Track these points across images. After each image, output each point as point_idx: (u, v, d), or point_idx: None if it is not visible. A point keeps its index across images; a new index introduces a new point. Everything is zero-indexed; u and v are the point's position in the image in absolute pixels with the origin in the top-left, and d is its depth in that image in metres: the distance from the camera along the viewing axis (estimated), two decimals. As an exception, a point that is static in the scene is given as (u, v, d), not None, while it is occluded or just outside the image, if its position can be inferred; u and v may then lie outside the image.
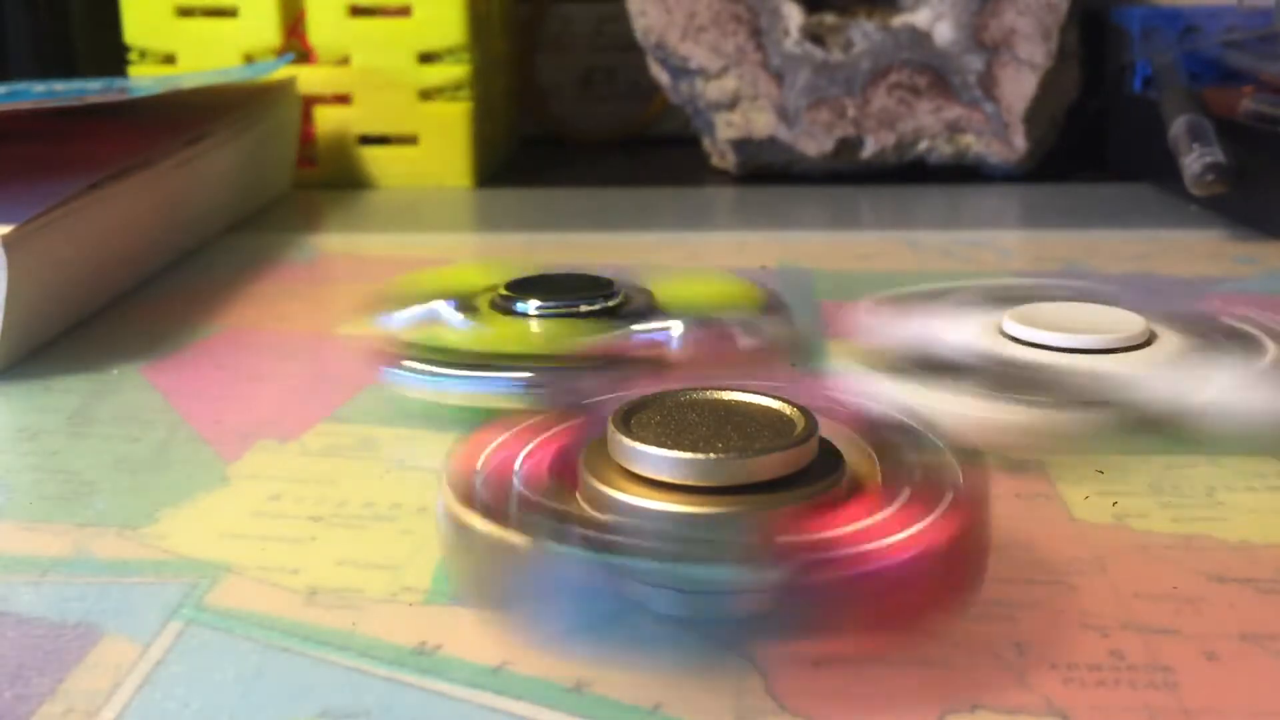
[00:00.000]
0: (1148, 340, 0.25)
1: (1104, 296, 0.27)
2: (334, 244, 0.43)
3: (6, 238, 0.28)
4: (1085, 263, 0.38)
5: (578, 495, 0.17)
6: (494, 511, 0.16)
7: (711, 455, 0.16)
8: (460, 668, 0.16)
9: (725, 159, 0.56)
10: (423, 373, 0.24)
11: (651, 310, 0.27)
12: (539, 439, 0.19)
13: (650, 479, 0.16)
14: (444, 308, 0.27)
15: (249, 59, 0.52)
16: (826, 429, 0.18)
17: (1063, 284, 0.30)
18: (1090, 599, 0.17)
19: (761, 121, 0.53)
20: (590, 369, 0.24)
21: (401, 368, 0.24)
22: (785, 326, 0.27)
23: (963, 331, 0.26)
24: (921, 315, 0.27)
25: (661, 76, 0.55)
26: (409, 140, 0.53)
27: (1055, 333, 0.25)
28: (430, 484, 0.18)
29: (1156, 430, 0.22)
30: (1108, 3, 0.57)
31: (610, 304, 0.27)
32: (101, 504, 0.21)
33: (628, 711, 0.15)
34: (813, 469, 0.17)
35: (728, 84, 0.53)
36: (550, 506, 0.17)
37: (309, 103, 0.53)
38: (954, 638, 0.16)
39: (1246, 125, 0.43)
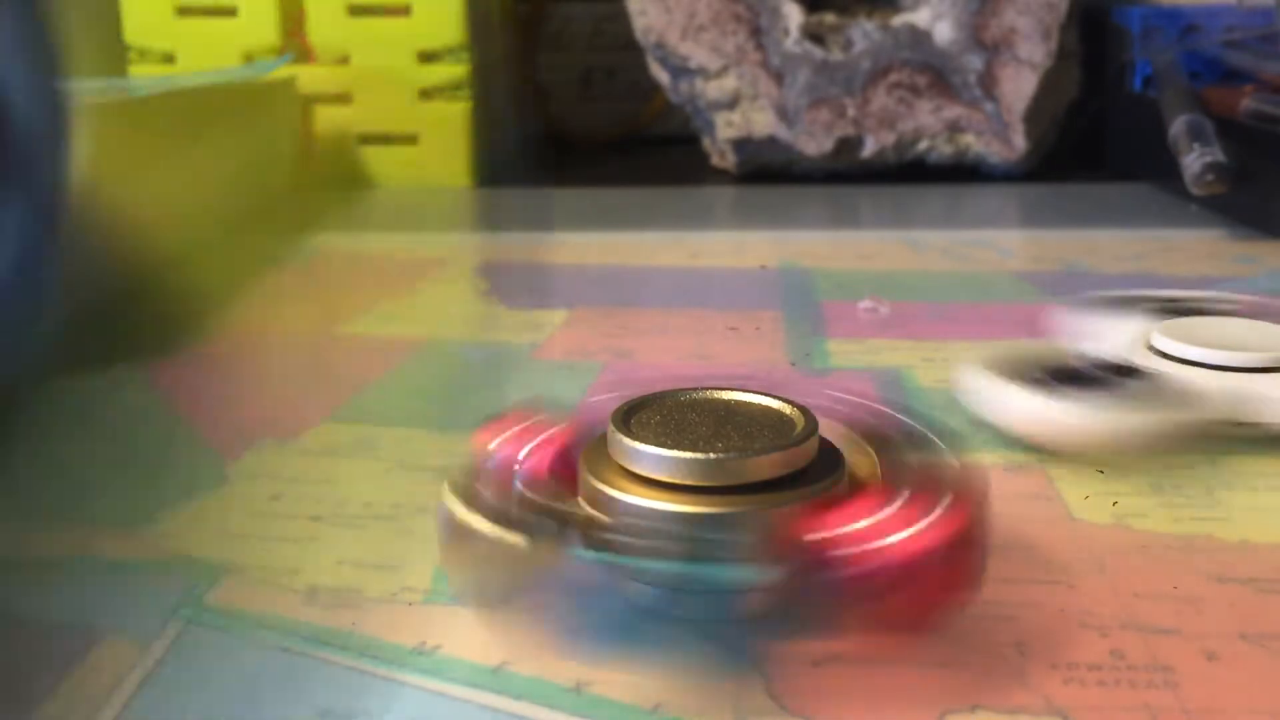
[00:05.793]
0: None
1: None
2: (334, 244, 0.43)
3: (6, 238, 0.28)
4: (1085, 262, 0.38)
5: (578, 495, 0.17)
6: (494, 511, 0.16)
7: (711, 455, 0.16)
8: (460, 668, 0.16)
9: (725, 159, 0.55)
10: None
11: None
12: (539, 439, 0.19)
13: (650, 479, 0.16)
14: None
15: (249, 59, 0.52)
16: (826, 429, 0.18)
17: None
18: (1090, 599, 0.17)
19: (761, 121, 0.53)
20: None
21: None
22: None
23: (1110, 342, 0.25)
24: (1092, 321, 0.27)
25: (661, 76, 0.55)
26: (409, 140, 0.53)
27: (1200, 348, 0.24)
28: (430, 484, 0.18)
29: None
30: (1108, 2, 0.57)
31: None
32: (101, 504, 0.21)
33: (628, 711, 0.15)
34: (813, 469, 0.17)
35: (728, 84, 0.53)
36: (551, 506, 0.17)
37: (309, 102, 0.53)
38: (954, 638, 0.16)
39: (1246, 125, 0.43)
